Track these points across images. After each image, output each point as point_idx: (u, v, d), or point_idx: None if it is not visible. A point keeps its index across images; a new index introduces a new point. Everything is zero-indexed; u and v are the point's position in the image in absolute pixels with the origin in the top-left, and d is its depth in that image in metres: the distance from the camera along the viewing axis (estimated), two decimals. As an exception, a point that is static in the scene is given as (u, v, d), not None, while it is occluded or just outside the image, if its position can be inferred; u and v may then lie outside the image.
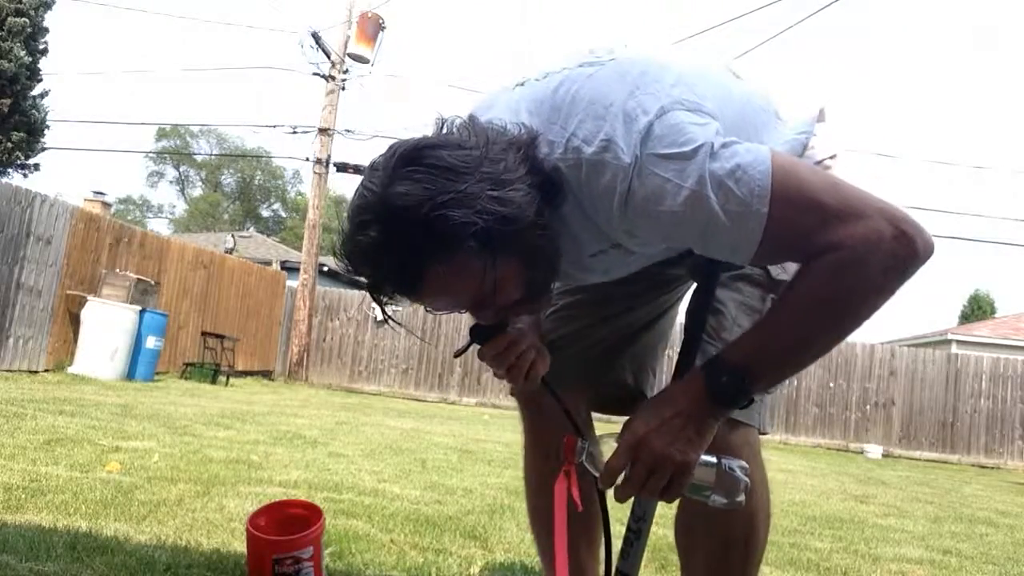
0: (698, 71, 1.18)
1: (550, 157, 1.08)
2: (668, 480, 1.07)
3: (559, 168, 1.08)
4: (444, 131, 1.11)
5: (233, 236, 24.22)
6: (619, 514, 1.40)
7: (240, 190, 55.94)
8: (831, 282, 1.02)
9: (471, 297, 1.11)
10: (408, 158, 1.06)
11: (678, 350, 1.37)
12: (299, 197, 51.92)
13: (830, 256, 1.01)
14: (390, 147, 1.12)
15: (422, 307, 1.16)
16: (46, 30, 18.13)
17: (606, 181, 1.05)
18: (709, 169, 1.01)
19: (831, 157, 1.42)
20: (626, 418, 1.16)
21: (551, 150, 1.08)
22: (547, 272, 1.16)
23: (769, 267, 1.35)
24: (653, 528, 3.15)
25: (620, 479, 1.09)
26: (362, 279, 1.09)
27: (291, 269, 16.64)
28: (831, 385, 13.37)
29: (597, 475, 1.13)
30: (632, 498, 1.23)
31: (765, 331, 1.10)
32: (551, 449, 1.50)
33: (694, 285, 1.40)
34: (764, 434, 1.41)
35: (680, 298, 1.61)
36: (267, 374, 13.62)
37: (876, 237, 0.99)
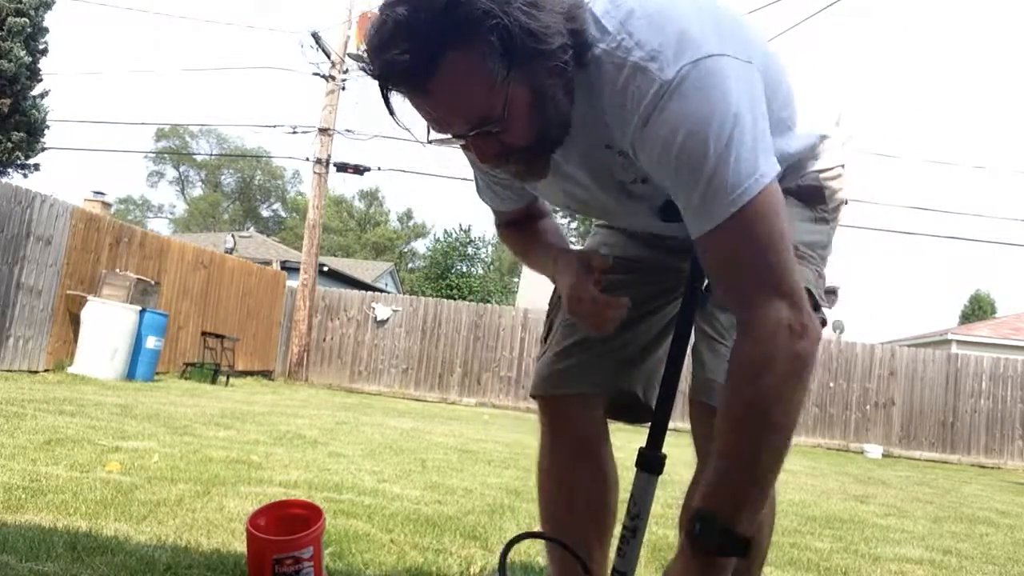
0: (766, 51, 1.21)
1: (598, 43, 1.09)
2: None
3: (601, 59, 1.09)
4: None
5: (233, 236, 24.23)
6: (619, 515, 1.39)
7: (240, 190, 55.94)
8: (751, 391, 1.06)
9: (479, 114, 1.07)
10: None
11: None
12: (299, 197, 51.95)
13: (740, 348, 1.07)
14: None
15: (426, 133, 1.13)
16: (46, 30, 18.13)
17: (641, 88, 1.06)
18: (728, 132, 1.03)
19: (840, 166, 1.44)
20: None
21: (601, 37, 1.09)
22: (555, 132, 1.14)
23: None
24: (654, 528, 3.15)
25: None
26: (376, 70, 1.06)
27: (291, 269, 16.64)
28: (831, 385, 13.37)
29: None
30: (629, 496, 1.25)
31: (716, 470, 1.09)
32: (571, 452, 1.54)
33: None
34: None
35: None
36: (267, 374, 13.62)
37: (777, 324, 1.05)
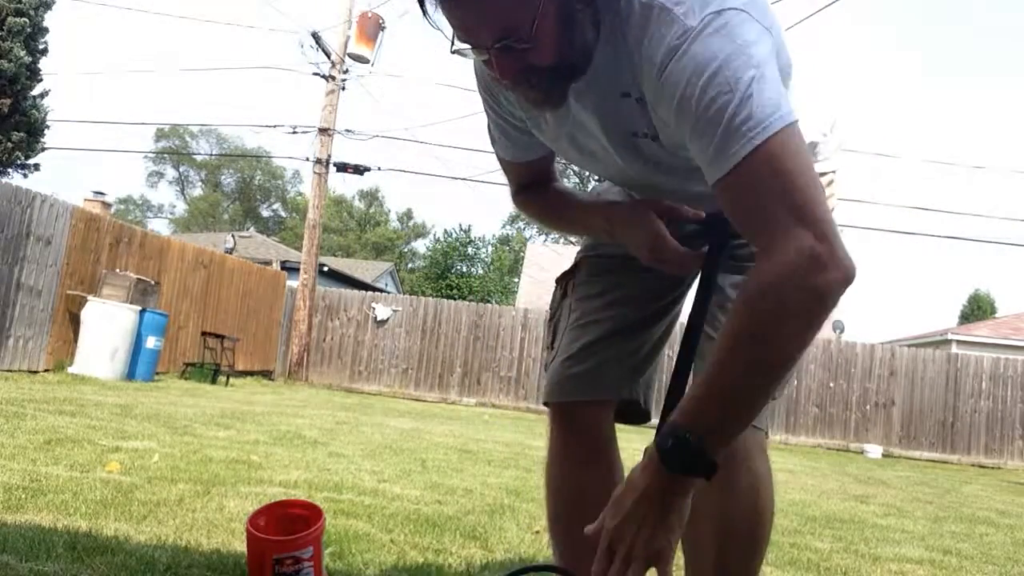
0: (781, 37, 1.21)
1: None
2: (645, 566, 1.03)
3: (629, 1, 1.11)
4: None
5: (233, 236, 24.23)
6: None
7: (240, 190, 55.94)
8: (749, 314, 1.02)
9: (507, 25, 1.07)
10: None
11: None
12: (299, 197, 51.95)
13: (758, 276, 1.02)
14: None
15: (450, 44, 1.13)
16: (46, 30, 18.12)
17: (664, 31, 1.08)
18: (750, 74, 1.03)
19: (832, 172, 1.43)
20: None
21: None
22: (578, 59, 1.14)
23: None
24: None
25: None
26: None
27: (291, 269, 16.64)
28: (831, 385, 13.37)
29: None
30: None
31: (701, 384, 1.06)
32: (582, 456, 1.52)
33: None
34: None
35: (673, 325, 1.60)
36: (267, 374, 13.62)
37: (800, 252, 0.99)
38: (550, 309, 1.65)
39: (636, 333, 1.51)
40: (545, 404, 1.59)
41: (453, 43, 1.12)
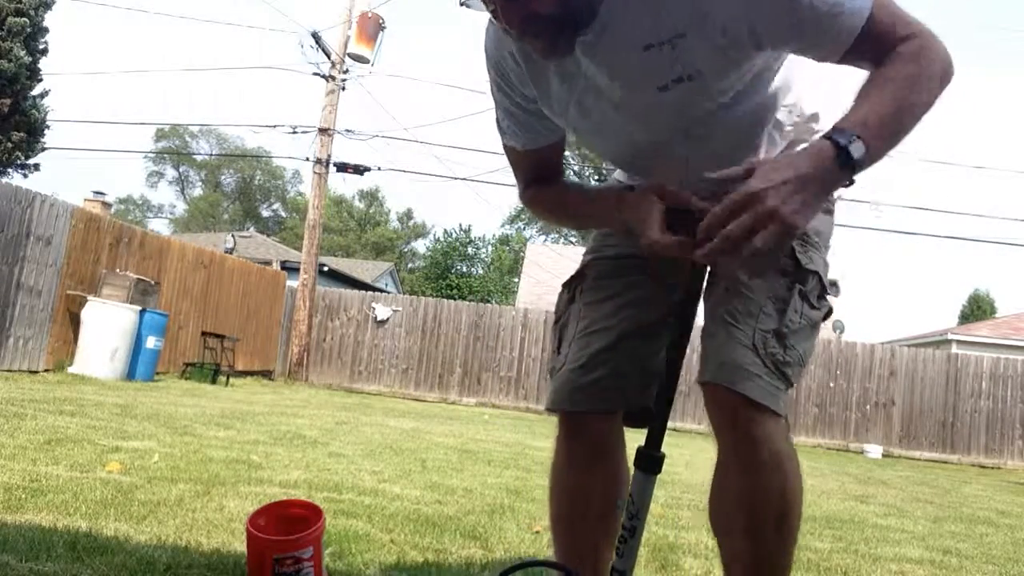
0: None
1: None
2: (768, 241, 1.06)
3: None
4: None
5: (233, 236, 24.23)
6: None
7: (240, 190, 55.95)
8: (915, 64, 1.15)
9: None
10: None
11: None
12: (299, 197, 51.97)
13: (908, 45, 1.15)
14: None
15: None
16: (46, 30, 18.14)
17: None
18: None
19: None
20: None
21: None
22: (582, 8, 1.17)
23: (798, 254, 1.36)
24: (653, 528, 3.15)
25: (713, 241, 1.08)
26: None
27: (291, 269, 16.63)
28: (831, 385, 13.37)
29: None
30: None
31: (871, 103, 1.14)
32: (588, 460, 1.54)
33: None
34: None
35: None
36: (267, 374, 13.62)
37: (932, 39, 1.16)
38: (556, 312, 1.63)
39: (650, 335, 1.49)
40: (549, 411, 1.58)
41: None
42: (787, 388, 1.36)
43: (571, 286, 1.61)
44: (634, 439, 1.50)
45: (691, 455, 7.58)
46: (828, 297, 1.42)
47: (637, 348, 1.48)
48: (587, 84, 1.28)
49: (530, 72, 1.34)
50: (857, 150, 1.09)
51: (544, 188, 1.53)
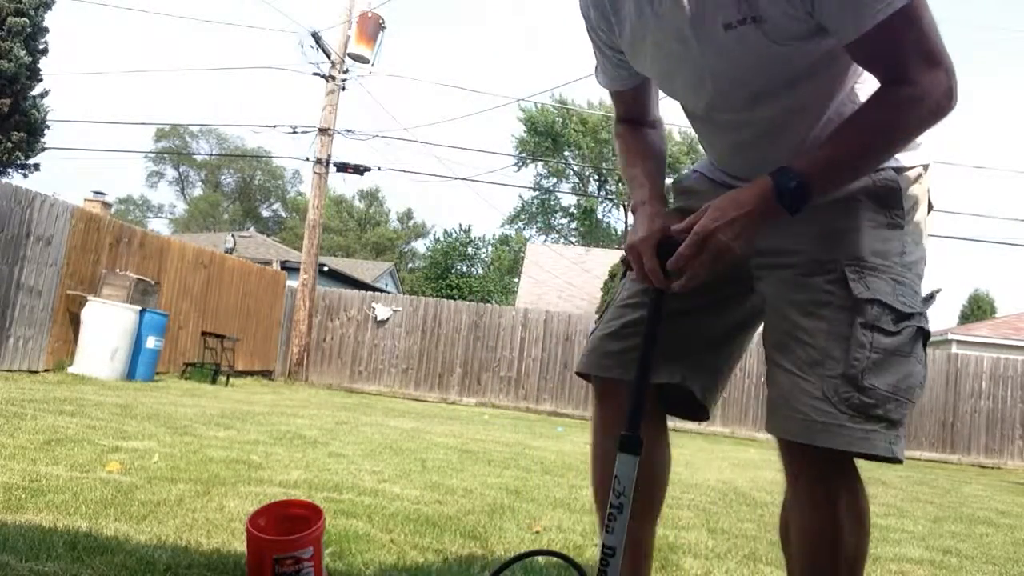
0: None
1: None
2: (725, 267, 1.25)
3: None
4: None
5: (233, 236, 24.23)
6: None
7: (240, 190, 55.95)
8: (895, 114, 1.23)
9: None
10: None
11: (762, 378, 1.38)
12: (299, 197, 51.97)
13: (902, 91, 1.22)
14: None
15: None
16: (46, 30, 18.12)
17: None
18: None
19: (922, 167, 1.42)
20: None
21: None
22: None
23: (851, 283, 1.33)
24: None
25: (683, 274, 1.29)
26: None
27: (291, 269, 16.64)
28: (831, 385, 13.36)
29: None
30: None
31: (830, 147, 1.26)
32: (617, 431, 1.54)
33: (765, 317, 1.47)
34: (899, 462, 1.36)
35: (752, 326, 1.62)
36: (267, 374, 13.62)
37: (938, 87, 1.21)
38: (618, 276, 1.73)
39: (678, 320, 1.52)
40: (578, 374, 1.64)
41: None
42: (888, 427, 1.30)
43: (626, 260, 1.64)
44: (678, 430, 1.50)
45: (691, 455, 7.58)
46: (912, 315, 1.33)
47: (668, 327, 1.48)
48: (659, 21, 1.32)
49: (612, 6, 1.40)
50: (797, 192, 1.24)
51: (629, 129, 1.63)
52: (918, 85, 1.21)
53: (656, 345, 1.41)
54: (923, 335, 1.34)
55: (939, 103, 1.22)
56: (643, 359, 1.41)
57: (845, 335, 1.31)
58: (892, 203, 1.36)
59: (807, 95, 1.34)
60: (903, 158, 1.37)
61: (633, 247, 1.41)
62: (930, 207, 1.45)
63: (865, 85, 1.35)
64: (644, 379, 1.41)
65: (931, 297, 1.42)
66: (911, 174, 1.39)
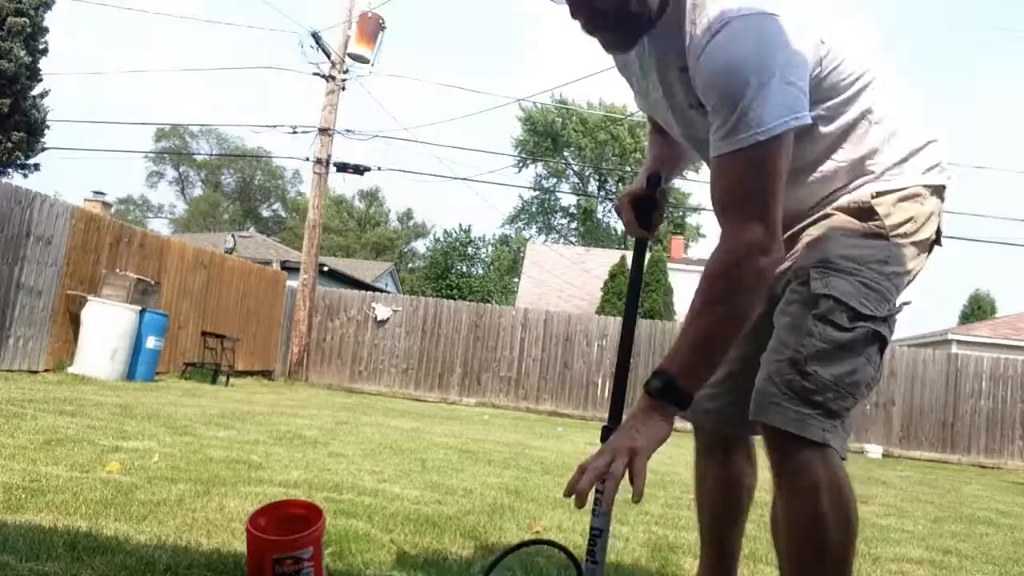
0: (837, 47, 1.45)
1: None
2: (627, 464, 1.30)
3: None
4: None
5: (233, 236, 24.20)
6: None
7: (240, 190, 55.95)
8: (712, 286, 1.34)
9: None
10: None
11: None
12: (299, 197, 51.95)
13: (723, 237, 1.34)
14: None
15: None
16: (46, 30, 18.14)
17: (708, 19, 1.33)
18: (768, 75, 1.26)
19: (917, 187, 1.56)
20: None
21: None
22: (640, 16, 1.39)
23: (812, 281, 1.47)
24: (654, 528, 3.14)
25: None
26: None
27: (291, 269, 16.63)
28: (831, 385, 13.36)
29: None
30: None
31: (679, 338, 1.38)
32: (703, 450, 1.87)
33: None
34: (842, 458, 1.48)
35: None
36: (267, 374, 13.62)
37: (759, 244, 1.31)
38: None
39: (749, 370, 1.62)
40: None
41: None
42: (825, 415, 1.42)
43: None
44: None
45: (691, 455, 7.57)
46: (870, 318, 1.45)
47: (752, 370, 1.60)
48: (651, 91, 1.54)
49: (625, 64, 1.60)
50: (667, 388, 1.35)
51: (655, 137, 1.86)
52: (735, 238, 1.33)
53: (639, 293, 1.71)
54: (879, 340, 1.47)
55: (750, 252, 1.31)
56: (629, 303, 1.69)
57: (799, 326, 1.46)
58: (867, 217, 1.49)
59: None
60: (884, 182, 1.51)
61: (617, 202, 1.77)
62: (939, 233, 1.57)
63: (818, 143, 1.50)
64: (630, 334, 1.65)
65: (899, 308, 1.52)
66: (900, 193, 1.50)
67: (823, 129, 1.46)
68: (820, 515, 1.41)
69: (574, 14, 1.40)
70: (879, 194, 1.50)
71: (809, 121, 1.31)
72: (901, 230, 1.50)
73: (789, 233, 1.54)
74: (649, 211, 1.72)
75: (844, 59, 1.44)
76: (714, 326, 1.34)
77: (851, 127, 1.48)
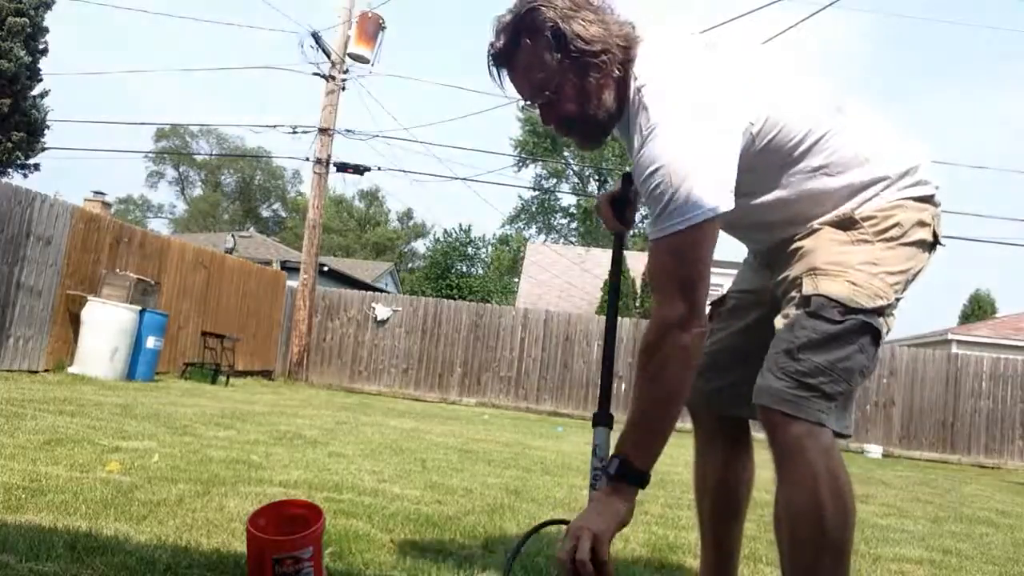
0: (795, 110, 1.58)
1: (638, 83, 1.54)
2: (590, 545, 1.40)
3: (640, 90, 1.53)
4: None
5: (233, 236, 24.22)
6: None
7: (240, 190, 55.95)
8: (645, 363, 1.49)
9: (539, 86, 1.59)
10: None
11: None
12: (299, 197, 51.95)
13: (655, 312, 1.50)
14: None
15: (517, 100, 1.60)
16: (46, 30, 18.12)
17: (642, 122, 1.51)
18: (684, 173, 1.43)
19: (900, 200, 1.62)
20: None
21: (644, 83, 1.54)
22: (601, 117, 1.60)
23: (803, 287, 1.56)
24: (654, 528, 3.14)
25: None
26: (490, 52, 1.63)
27: (291, 269, 16.63)
28: (831, 385, 13.36)
29: None
30: None
31: (627, 417, 1.51)
32: (703, 448, 1.96)
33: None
34: (845, 436, 1.58)
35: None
36: (267, 374, 13.62)
37: (675, 313, 1.46)
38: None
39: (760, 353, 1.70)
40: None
41: (521, 100, 1.62)
42: (821, 397, 1.50)
43: (714, 308, 1.94)
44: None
45: (691, 455, 7.57)
46: (860, 311, 1.53)
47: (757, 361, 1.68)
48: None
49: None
50: (622, 468, 1.48)
51: None
52: (661, 315, 1.48)
53: (619, 291, 1.90)
54: (871, 331, 1.54)
55: (671, 328, 1.46)
56: (613, 289, 1.87)
57: (793, 323, 1.56)
58: (851, 227, 1.59)
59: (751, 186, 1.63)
60: (871, 201, 1.59)
61: (597, 202, 1.94)
62: (935, 237, 1.63)
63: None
64: (613, 322, 1.86)
65: (894, 303, 1.59)
66: (887, 204, 1.59)
67: (783, 191, 1.61)
68: (819, 504, 1.46)
69: (544, 122, 1.64)
70: (857, 211, 1.60)
71: (728, 209, 1.45)
72: (887, 235, 1.57)
73: (779, 251, 1.68)
74: (623, 208, 1.89)
75: (784, 124, 1.56)
76: (650, 405, 1.50)
77: (808, 179, 1.59)
